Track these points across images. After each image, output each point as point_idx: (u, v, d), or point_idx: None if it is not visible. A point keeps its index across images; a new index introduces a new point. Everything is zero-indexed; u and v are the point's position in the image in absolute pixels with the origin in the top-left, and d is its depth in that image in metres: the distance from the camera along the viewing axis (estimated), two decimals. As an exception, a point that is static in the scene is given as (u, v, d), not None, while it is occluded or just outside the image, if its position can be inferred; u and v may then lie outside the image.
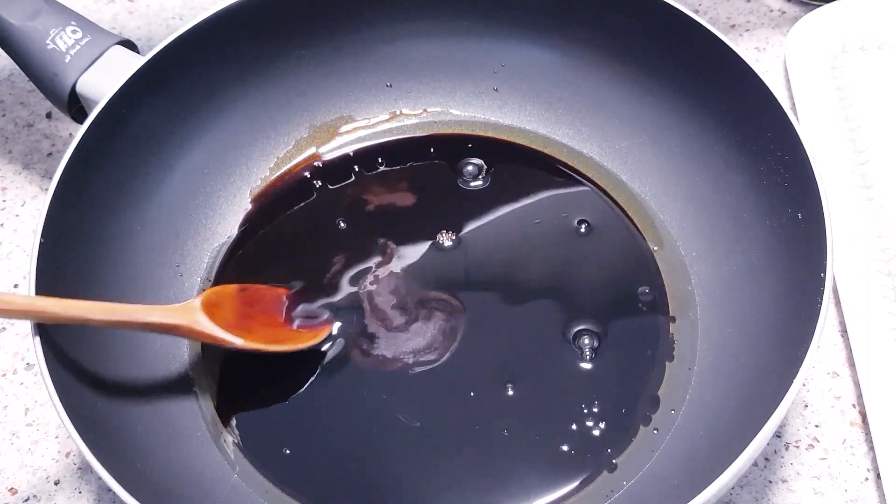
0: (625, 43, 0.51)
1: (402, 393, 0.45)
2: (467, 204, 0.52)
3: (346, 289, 0.49)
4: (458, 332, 0.47)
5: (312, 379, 0.46)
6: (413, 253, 0.50)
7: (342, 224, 0.52)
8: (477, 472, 0.43)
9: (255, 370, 0.47)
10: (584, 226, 0.50)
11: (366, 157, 0.54)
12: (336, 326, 0.47)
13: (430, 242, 0.50)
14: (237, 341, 0.44)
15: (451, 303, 0.48)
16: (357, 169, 0.54)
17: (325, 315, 0.48)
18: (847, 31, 0.58)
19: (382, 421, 0.44)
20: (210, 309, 0.44)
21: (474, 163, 0.53)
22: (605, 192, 0.52)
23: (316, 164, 0.54)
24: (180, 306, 0.44)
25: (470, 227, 0.51)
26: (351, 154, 0.54)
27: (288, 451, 0.44)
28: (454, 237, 0.50)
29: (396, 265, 0.50)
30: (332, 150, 0.55)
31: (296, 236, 0.52)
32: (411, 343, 0.47)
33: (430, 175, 0.54)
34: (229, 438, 0.45)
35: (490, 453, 0.43)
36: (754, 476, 0.44)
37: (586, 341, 0.46)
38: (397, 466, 0.43)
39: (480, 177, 0.53)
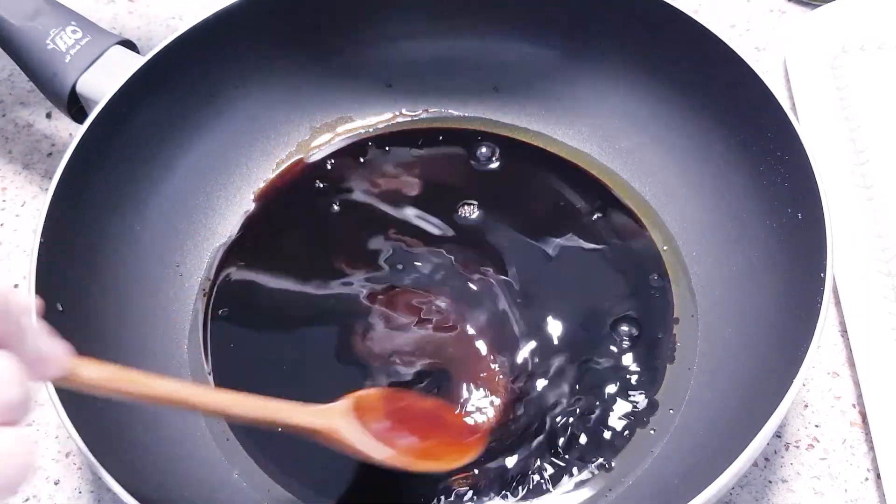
0: (625, 43, 0.51)
1: (403, 383, 0.45)
2: (481, 190, 0.52)
3: (350, 288, 0.49)
4: (457, 330, 0.47)
5: (313, 376, 0.46)
6: (423, 249, 0.50)
7: (345, 220, 0.52)
8: (474, 468, 0.43)
9: (255, 369, 0.47)
10: (594, 216, 0.50)
11: (369, 152, 0.54)
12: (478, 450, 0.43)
13: (438, 239, 0.50)
14: (381, 455, 0.38)
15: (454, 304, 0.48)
16: (363, 161, 0.54)
17: (479, 426, 0.44)
18: (847, 31, 0.58)
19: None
20: (359, 412, 0.39)
21: (487, 144, 0.53)
22: (606, 190, 0.52)
23: (317, 161, 0.54)
24: (326, 408, 0.39)
25: (479, 215, 0.51)
26: (353, 148, 0.54)
27: (288, 449, 0.44)
28: (460, 229, 0.51)
29: (405, 261, 0.50)
30: (333, 146, 0.55)
31: (301, 234, 0.52)
32: (416, 339, 0.47)
33: (441, 166, 0.54)
34: (229, 437, 0.45)
35: (487, 448, 0.43)
36: (754, 476, 0.44)
37: (587, 342, 0.46)
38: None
39: (494, 158, 0.53)
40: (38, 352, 0.27)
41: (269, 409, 0.37)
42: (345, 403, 0.39)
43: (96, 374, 0.30)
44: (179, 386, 0.35)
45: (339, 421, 0.38)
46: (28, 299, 0.27)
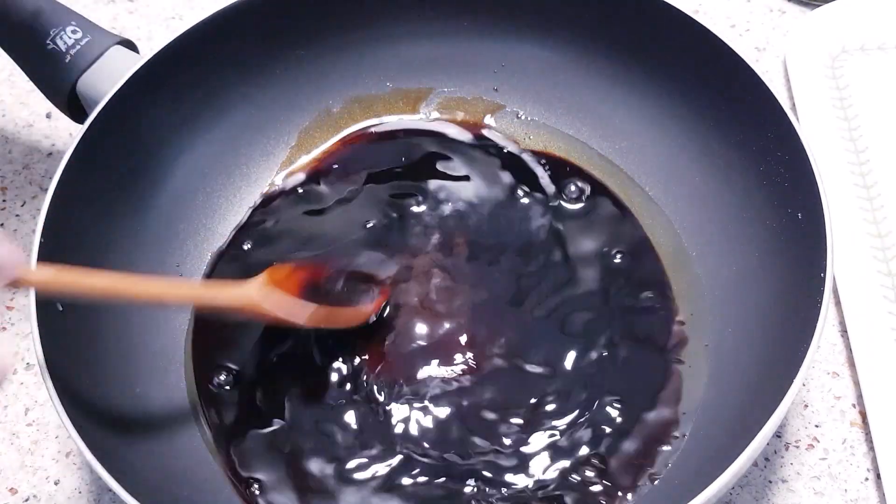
0: (625, 43, 0.51)
1: (400, 388, 0.45)
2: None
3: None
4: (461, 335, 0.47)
5: (313, 379, 0.46)
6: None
7: (347, 217, 0.52)
8: (474, 473, 0.43)
9: (254, 368, 0.47)
10: (595, 214, 0.51)
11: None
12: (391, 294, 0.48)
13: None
14: (300, 320, 0.43)
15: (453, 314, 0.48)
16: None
17: (378, 285, 0.48)
18: (847, 31, 0.58)
19: (383, 426, 0.45)
20: (274, 283, 0.43)
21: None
22: (607, 190, 0.52)
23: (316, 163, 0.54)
24: (245, 284, 0.42)
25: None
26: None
27: (289, 449, 0.44)
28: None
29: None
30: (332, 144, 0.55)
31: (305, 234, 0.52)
32: (422, 353, 0.47)
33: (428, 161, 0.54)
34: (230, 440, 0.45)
35: (489, 452, 0.43)
36: (754, 476, 0.44)
37: (583, 343, 0.46)
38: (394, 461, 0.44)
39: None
40: None
41: (196, 293, 0.44)
42: (261, 277, 0.42)
43: (42, 276, 0.34)
44: (116, 279, 0.38)
45: (259, 294, 0.42)
46: None
